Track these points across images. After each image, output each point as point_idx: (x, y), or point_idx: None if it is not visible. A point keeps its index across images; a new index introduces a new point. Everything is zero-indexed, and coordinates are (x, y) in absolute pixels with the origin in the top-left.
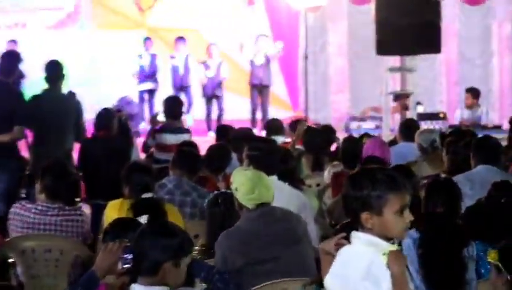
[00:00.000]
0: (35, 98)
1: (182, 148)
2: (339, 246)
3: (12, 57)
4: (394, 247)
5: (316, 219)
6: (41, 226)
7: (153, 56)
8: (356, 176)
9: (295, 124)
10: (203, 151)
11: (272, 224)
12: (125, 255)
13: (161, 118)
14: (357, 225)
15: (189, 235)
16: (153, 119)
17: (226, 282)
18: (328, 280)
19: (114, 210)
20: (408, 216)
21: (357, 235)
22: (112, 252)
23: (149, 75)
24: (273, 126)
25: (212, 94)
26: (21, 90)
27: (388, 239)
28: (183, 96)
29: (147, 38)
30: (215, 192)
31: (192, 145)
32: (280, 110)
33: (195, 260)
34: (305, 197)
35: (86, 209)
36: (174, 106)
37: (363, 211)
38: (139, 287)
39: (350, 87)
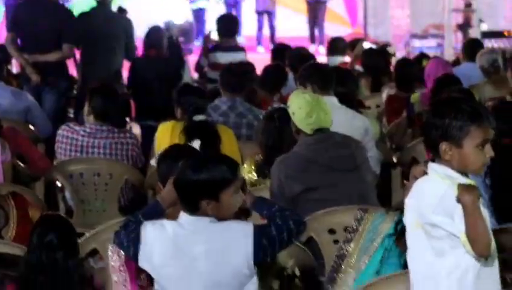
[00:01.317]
0: (84, 15)
1: (227, 68)
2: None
3: None
4: (471, 182)
5: (377, 143)
6: (89, 149)
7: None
8: (438, 104)
9: (354, 44)
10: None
11: (330, 150)
12: None
13: (214, 36)
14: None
15: (235, 159)
16: (206, 37)
17: (285, 219)
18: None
19: (165, 133)
20: (489, 151)
21: (433, 167)
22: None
23: None
24: (335, 46)
25: (263, 9)
26: (69, 7)
27: (466, 174)
28: (234, 12)
29: None
30: (270, 108)
31: (247, 65)
32: (338, 27)
33: (259, 198)
34: (365, 121)
35: (136, 129)
36: (228, 24)
37: (442, 140)
38: (186, 216)
39: (410, 2)
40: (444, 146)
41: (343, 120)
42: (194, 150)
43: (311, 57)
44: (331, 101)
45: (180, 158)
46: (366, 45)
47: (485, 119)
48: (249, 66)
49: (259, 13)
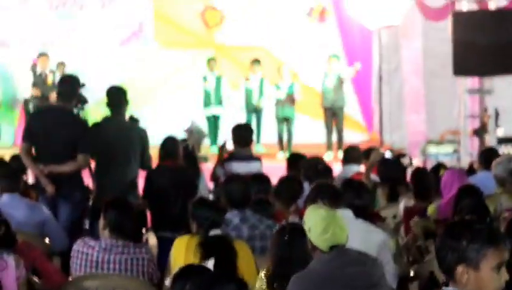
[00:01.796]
0: (98, 126)
1: (228, 182)
2: None
3: (73, 81)
4: None
5: (394, 256)
6: (105, 265)
7: (219, 78)
8: (454, 226)
9: (369, 152)
10: (274, 177)
11: (346, 267)
12: None
13: (230, 145)
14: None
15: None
16: (222, 147)
17: None
18: None
19: (181, 248)
20: (504, 274)
21: None
22: None
23: (215, 98)
24: (349, 155)
25: (283, 116)
26: (84, 116)
27: None
28: (254, 120)
29: (211, 59)
30: (286, 221)
31: (261, 178)
32: (354, 133)
33: None
34: (382, 235)
35: (152, 239)
36: (243, 134)
37: (459, 263)
38: None
39: (426, 108)
40: (460, 269)
41: (359, 234)
42: (207, 271)
43: (326, 167)
44: (346, 215)
45: (193, 279)
46: (381, 153)
47: (501, 240)
48: (266, 179)
49: (280, 120)
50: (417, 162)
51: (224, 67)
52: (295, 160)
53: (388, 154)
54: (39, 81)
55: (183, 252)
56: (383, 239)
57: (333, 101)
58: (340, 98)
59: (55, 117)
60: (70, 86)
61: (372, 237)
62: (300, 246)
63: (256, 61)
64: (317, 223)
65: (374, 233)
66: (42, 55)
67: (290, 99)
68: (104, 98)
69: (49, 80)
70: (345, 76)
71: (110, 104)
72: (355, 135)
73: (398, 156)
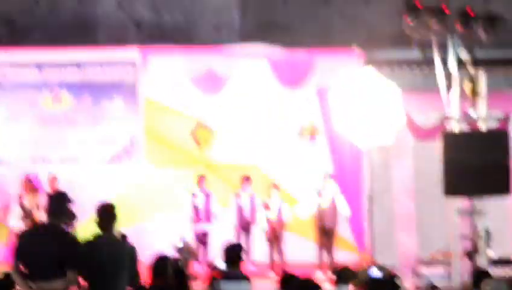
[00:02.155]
0: (87, 244)
1: None
2: None
3: (62, 198)
4: None
5: None
6: None
7: (208, 195)
8: None
9: (357, 273)
10: None
11: None
12: None
13: (219, 263)
14: None
15: None
16: (212, 267)
17: None
18: None
19: None
20: None
21: None
22: None
23: (204, 216)
24: (343, 275)
25: (273, 236)
26: (73, 233)
27: None
28: (244, 237)
29: (200, 176)
30: None
31: None
32: (345, 252)
33: None
34: None
35: None
36: (234, 253)
37: None
38: None
39: (417, 228)
40: None
41: None
42: None
43: (318, 288)
44: None
45: None
46: (373, 272)
47: None
48: None
49: (270, 240)
50: (408, 283)
51: (214, 185)
52: (287, 280)
53: (376, 273)
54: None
55: None
56: None
57: (327, 222)
58: (334, 219)
59: (44, 235)
60: (59, 203)
61: None
62: None
63: (247, 179)
64: None
65: None
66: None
67: (280, 224)
68: (92, 217)
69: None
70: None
71: (99, 222)
72: (345, 255)
73: (390, 276)
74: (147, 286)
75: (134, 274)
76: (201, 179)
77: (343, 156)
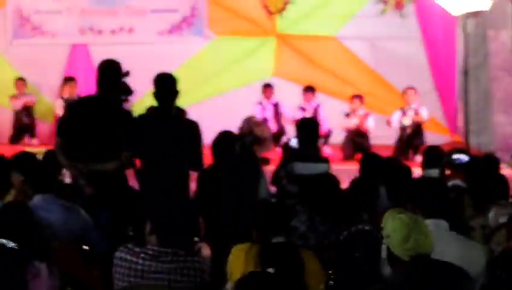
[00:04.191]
0: (143, 119)
1: (309, 181)
2: None
3: (113, 70)
4: None
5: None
6: (151, 274)
7: (276, 105)
8: None
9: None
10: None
11: (432, 281)
12: None
13: (294, 143)
14: None
15: None
16: (285, 146)
17: None
18: None
19: (240, 257)
20: None
21: None
22: None
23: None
24: (431, 157)
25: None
26: (127, 109)
27: None
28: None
29: (267, 85)
30: (352, 229)
31: (329, 179)
32: (436, 135)
33: None
34: (478, 247)
35: (206, 250)
36: (308, 131)
37: None
38: None
39: None
40: None
41: (455, 251)
42: (274, 278)
43: (407, 169)
44: (439, 225)
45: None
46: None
47: None
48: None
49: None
50: (505, 166)
51: (287, 58)
52: (369, 161)
53: (463, 157)
54: None
55: (242, 261)
56: (477, 253)
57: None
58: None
59: (94, 109)
60: (111, 74)
61: (472, 255)
62: (371, 256)
63: (309, 89)
64: (397, 229)
65: (475, 249)
66: (69, 80)
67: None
68: (149, 91)
69: None
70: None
71: (157, 93)
72: (436, 137)
73: (487, 158)
74: (210, 167)
75: (196, 154)
76: (267, 89)
77: (434, 26)
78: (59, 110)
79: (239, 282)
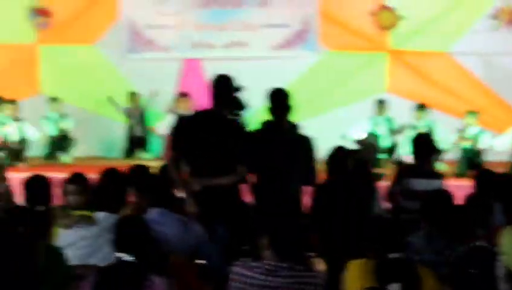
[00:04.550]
0: (257, 133)
1: (429, 196)
2: None
3: (226, 84)
4: None
5: None
6: (268, 289)
7: (390, 120)
8: None
9: None
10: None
11: None
12: None
13: (408, 159)
14: None
15: None
16: (399, 162)
17: None
18: None
19: (356, 272)
20: None
21: None
22: None
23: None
24: None
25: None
26: (241, 123)
27: None
28: None
29: (380, 101)
30: (469, 245)
31: (444, 195)
32: None
33: None
34: None
35: (319, 264)
36: (423, 146)
37: None
38: None
39: None
40: None
41: None
42: None
43: None
44: None
45: None
46: None
47: None
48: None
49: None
50: None
51: (399, 74)
52: (484, 177)
53: None
54: None
55: (358, 277)
56: None
57: None
58: None
59: (208, 123)
60: (224, 88)
61: None
62: (487, 273)
63: (421, 107)
64: None
65: None
66: (183, 95)
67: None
68: (262, 106)
69: None
70: None
71: (271, 108)
72: None
73: None
74: (324, 183)
75: (310, 169)
76: (381, 106)
77: None
78: (172, 124)
79: None
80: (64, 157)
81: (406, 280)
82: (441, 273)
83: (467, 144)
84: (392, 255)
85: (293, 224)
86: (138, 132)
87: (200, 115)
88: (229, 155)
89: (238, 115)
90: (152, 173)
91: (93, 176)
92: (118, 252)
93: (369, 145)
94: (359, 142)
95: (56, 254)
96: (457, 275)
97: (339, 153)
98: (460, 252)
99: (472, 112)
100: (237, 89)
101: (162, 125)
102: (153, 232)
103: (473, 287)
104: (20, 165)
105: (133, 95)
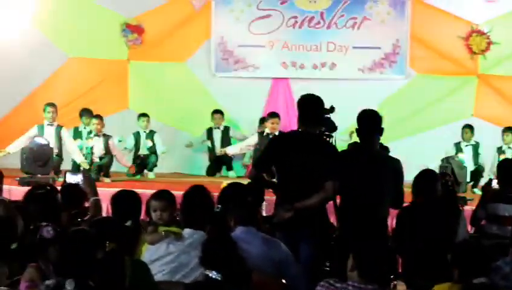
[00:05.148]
0: (346, 155)
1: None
2: None
3: (317, 103)
4: None
5: None
6: None
7: (476, 146)
8: None
9: None
10: None
11: None
12: None
13: (495, 184)
14: None
15: None
16: (486, 186)
17: None
18: None
19: None
20: None
21: None
22: None
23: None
24: None
25: None
26: (331, 142)
27: None
28: None
29: (467, 126)
30: None
31: None
32: None
33: None
34: None
35: (401, 287)
36: (508, 172)
37: None
38: None
39: None
40: None
41: None
42: None
43: None
44: None
45: None
46: None
47: None
48: None
49: None
50: None
51: (487, 98)
52: None
53: None
54: None
55: None
56: None
57: None
58: None
59: (296, 143)
60: (313, 108)
61: None
62: None
63: (509, 129)
64: None
65: None
66: (272, 116)
67: None
68: (350, 127)
69: None
70: None
71: (360, 130)
72: None
73: None
74: (410, 205)
75: (397, 191)
76: (467, 131)
77: None
78: (254, 143)
79: None
80: (149, 174)
81: None
82: None
83: None
84: (476, 280)
85: (380, 246)
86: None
87: (289, 135)
88: (318, 173)
89: (331, 136)
90: (238, 191)
91: (177, 192)
92: (205, 269)
93: (454, 170)
94: (447, 166)
95: (143, 269)
96: None
97: (427, 176)
98: None
99: None
100: (330, 110)
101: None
102: (239, 250)
103: None
104: (106, 180)
105: (216, 114)
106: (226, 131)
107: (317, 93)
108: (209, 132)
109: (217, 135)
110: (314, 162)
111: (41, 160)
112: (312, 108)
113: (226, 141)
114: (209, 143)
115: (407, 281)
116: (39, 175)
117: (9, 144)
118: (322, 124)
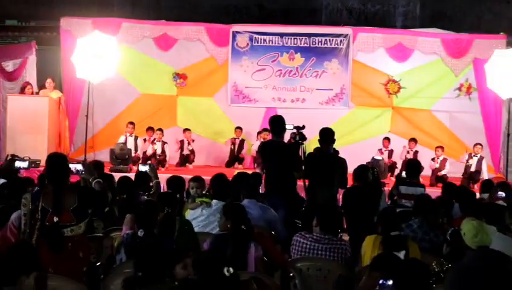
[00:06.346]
0: (311, 155)
1: (420, 199)
2: None
3: (281, 120)
4: None
5: None
6: (315, 251)
7: (391, 151)
8: None
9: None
10: None
11: (490, 261)
12: (383, 281)
13: (402, 174)
14: None
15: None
16: (398, 175)
17: None
18: None
19: (370, 243)
20: None
21: None
22: (373, 277)
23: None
24: (485, 186)
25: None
26: (303, 149)
27: None
28: None
29: (386, 138)
30: (451, 230)
31: (426, 198)
32: (488, 173)
33: None
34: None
35: (346, 237)
36: (412, 167)
37: None
38: None
39: None
40: None
41: (501, 244)
42: (397, 258)
43: (473, 193)
44: (491, 229)
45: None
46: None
47: None
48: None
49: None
50: None
51: (399, 122)
52: (448, 187)
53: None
54: None
55: (371, 246)
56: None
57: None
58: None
59: (271, 147)
60: (279, 123)
61: (508, 245)
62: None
63: (413, 139)
64: (470, 229)
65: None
66: (264, 130)
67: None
68: (314, 138)
69: None
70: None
71: (322, 140)
72: (489, 175)
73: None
74: (352, 187)
75: (343, 178)
76: (385, 141)
77: (489, 105)
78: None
79: (373, 260)
80: (189, 165)
81: (400, 249)
82: (425, 246)
83: (435, 166)
84: (393, 233)
85: (333, 212)
86: (238, 152)
87: (271, 142)
88: (286, 165)
89: (302, 144)
90: (246, 177)
91: (207, 177)
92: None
93: (377, 165)
94: (373, 163)
95: (187, 224)
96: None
97: (362, 167)
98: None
99: (441, 146)
100: (302, 127)
101: (252, 148)
102: (247, 213)
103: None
104: (162, 169)
105: (237, 129)
106: (242, 141)
107: (293, 118)
108: (233, 140)
109: (237, 143)
110: (282, 158)
111: (123, 157)
112: (278, 123)
113: (240, 147)
114: (231, 146)
115: (349, 233)
116: (121, 166)
117: (103, 148)
118: (283, 132)
